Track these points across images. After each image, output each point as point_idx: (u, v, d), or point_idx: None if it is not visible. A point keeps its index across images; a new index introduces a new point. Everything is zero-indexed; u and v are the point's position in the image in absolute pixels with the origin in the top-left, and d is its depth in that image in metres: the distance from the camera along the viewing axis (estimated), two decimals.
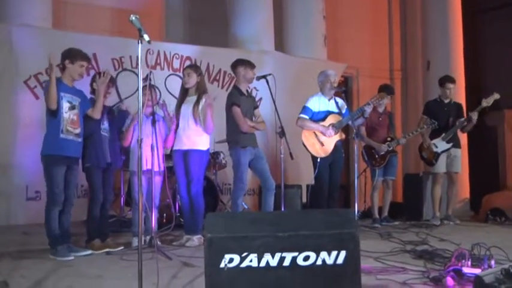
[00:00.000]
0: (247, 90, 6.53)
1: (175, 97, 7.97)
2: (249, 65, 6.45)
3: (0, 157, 7.58)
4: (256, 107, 6.59)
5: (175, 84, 8.58)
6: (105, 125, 5.80)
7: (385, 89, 7.83)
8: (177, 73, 8.89)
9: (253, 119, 6.45)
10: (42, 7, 8.39)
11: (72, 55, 5.36)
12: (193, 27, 10.63)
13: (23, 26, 7.88)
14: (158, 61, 8.90)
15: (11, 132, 7.66)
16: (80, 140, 5.39)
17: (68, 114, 5.29)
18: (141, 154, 3.74)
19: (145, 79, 5.64)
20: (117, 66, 8.53)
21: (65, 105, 5.29)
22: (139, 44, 3.81)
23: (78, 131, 5.37)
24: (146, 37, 3.86)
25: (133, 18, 3.89)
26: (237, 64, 6.48)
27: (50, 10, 8.50)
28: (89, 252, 5.35)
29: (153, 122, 5.56)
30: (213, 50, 9.35)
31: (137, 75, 8.45)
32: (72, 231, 5.48)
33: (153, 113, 5.73)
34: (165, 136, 6.10)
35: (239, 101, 6.30)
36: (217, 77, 9.33)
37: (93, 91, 5.81)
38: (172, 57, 9.03)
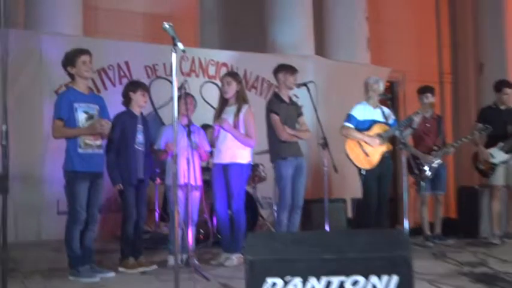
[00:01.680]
0: (289, 97, 6.52)
1: (211, 106, 8.11)
2: (290, 70, 6.44)
3: (31, 170, 7.63)
4: (300, 114, 6.56)
5: (211, 92, 8.71)
6: (140, 138, 5.82)
7: (428, 90, 7.62)
8: (213, 80, 8.94)
9: (297, 127, 6.43)
10: (73, 14, 8.49)
11: (69, 59, 5.29)
12: (228, 32, 10.67)
13: (52, 34, 7.95)
14: (193, 68, 8.92)
15: (41, 143, 7.70)
16: (101, 152, 5.35)
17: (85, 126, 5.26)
18: (176, 170, 3.72)
19: (180, 88, 5.68)
20: (150, 73, 8.57)
21: (81, 117, 5.24)
22: (174, 53, 3.87)
23: (99, 142, 5.31)
24: (180, 46, 3.90)
25: (167, 26, 3.93)
26: (277, 70, 6.50)
27: (80, 17, 8.60)
28: (113, 273, 5.33)
29: (189, 134, 5.55)
30: (250, 56, 9.38)
31: (171, 82, 8.60)
32: (104, 248, 5.51)
33: (188, 124, 5.73)
34: (201, 148, 6.16)
35: (278, 108, 6.30)
36: (255, 84, 9.33)
37: (127, 101, 5.87)
38: (208, 63, 9.05)
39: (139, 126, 5.82)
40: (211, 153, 6.48)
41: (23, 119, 7.36)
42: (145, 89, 6.03)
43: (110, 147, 5.62)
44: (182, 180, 5.69)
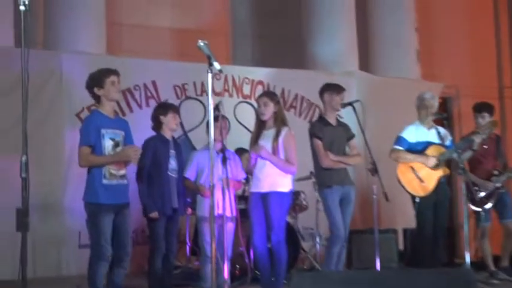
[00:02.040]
0: (337, 119, 6.52)
1: (246, 128, 8.15)
2: (336, 90, 6.44)
3: (50, 199, 7.65)
4: (351, 137, 6.54)
5: (246, 113, 8.70)
6: (173, 164, 5.89)
7: (485, 108, 7.45)
8: (248, 100, 8.96)
9: (347, 151, 6.42)
10: (95, 31, 8.59)
11: (97, 80, 5.31)
12: (263, 47, 10.71)
13: (74, 53, 8.05)
14: (226, 87, 8.91)
15: (62, 171, 7.76)
16: (126, 182, 5.34)
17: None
18: (213, 202, 3.69)
19: (214, 109, 5.64)
20: (179, 94, 8.60)
21: (108, 144, 5.24)
22: (209, 73, 3.94)
23: (123, 172, 5.32)
24: (217, 65, 3.97)
25: (202, 44, 4.00)
26: (323, 90, 6.52)
27: (103, 34, 8.70)
28: None
29: (224, 160, 5.52)
30: (288, 73, 9.37)
31: (202, 103, 8.65)
32: (130, 284, 5.62)
33: (223, 149, 5.71)
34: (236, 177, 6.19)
35: (321, 132, 6.32)
36: (294, 104, 9.27)
37: (157, 125, 5.93)
38: (242, 82, 9.02)
39: (172, 152, 5.91)
40: (246, 181, 6.46)
41: (42, 145, 7.39)
42: (176, 110, 6.14)
43: (141, 174, 5.69)
44: (216, 211, 5.69)
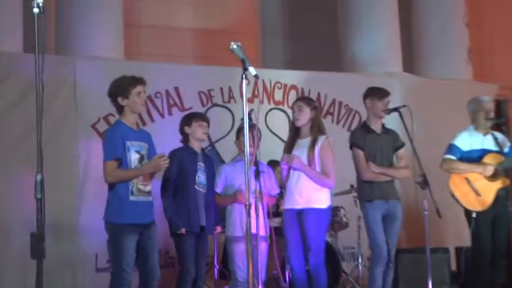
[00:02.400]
0: (383, 126, 6.46)
1: (280, 138, 8.17)
2: (377, 95, 6.42)
3: (65, 218, 7.64)
4: (400, 146, 6.48)
5: (278, 121, 8.69)
6: (201, 178, 5.94)
7: None
8: (280, 107, 8.93)
9: (395, 162, 6.38)
10: (111, 34, 8.62)
11: (122, 89, 5.31)
12: (296, 48, 10.69)
13: (88, 59, 8.08)
14: (256, 92, 8.76)
15: (76, 188, 7.79)
16: (151, 199, 5.34)
17: None
18: (250, 221, 3.62)
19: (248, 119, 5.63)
20: (205, 101, 8.59)
21: (134, 157, 5.25)
22: (244, 80, 3.96)
23: (149, 188, 5.32)
24: (252, 70, 3.96)
25: (235, 46, 4.00)
26: (365, 95, 6.50)
27: (121, 37, 8.72)
28: None
29: (257, 174, 5.46)
30: (324, 76, 9.36)
31: (230, 111, 8.61)
32: None
33: (256, 162, 5.65)
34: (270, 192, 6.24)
35: (362, 140, 6.31)
36: (331, 110, 9.20)
37: (184, 138, 6.04)
38: (274, 86, 8.95)
39: (201, 164, 5.97)
40: (280, 196, 6.48)
41: (54, 159, 7.33)
42: (202, 118, 6.18)
43: (165, 188, 5.73)
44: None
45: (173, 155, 5.80)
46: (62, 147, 7.74)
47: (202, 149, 6.14)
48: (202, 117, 6.19)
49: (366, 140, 6.27)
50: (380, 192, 6.21)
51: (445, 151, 6.68)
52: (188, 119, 6.11)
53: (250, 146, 5.69)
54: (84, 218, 7.70)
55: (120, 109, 5.34)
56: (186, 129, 6.01)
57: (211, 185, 6.08)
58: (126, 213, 5.14)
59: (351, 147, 6.35)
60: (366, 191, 6.26)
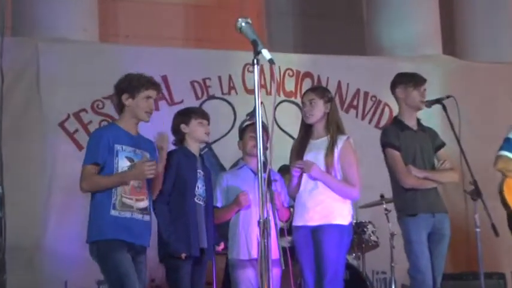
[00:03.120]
0: (418, 121, 6.39)
1: (291, 137, 8.02)
2: (412, 81, 6.33)
3: (26, 240, 7.60)
4: (440, 145, 6.42)
5: (289, 117, 8.55)
6: (201, 188, 5.89)
7: None
8: (292, 99, 8.94)
9: (435, 165, 6.32)
10: (83, 11, 8.59)
11: (131, 85, 5.38)
12: (308, 28, 10.74)
13: (55, 41, 8.10)
14: (263, 81, 8.71)
15: (40, 200, 7.76)
16: (147, 218, 5.34)
17: None
18: (265, 244, 3.85)
19: (251, 114, 5.51)
20: (199, 93, 8.61)
21: (123, 164, 5.26)
22: (255, 66, 3.86)
23: (144, 204, 5.32)
24: (266, 53, 3.86)
25: (243, 24, 3.92)
26: (394, 83, 6.41)
27: (94, 15, 8.70)
28: None
29: (269, 183, 5.29)
30: (345, 60, 9.37)
31: (231, 104, 8.53)
32: None
33: (265, 167, 5.50)
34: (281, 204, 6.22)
35: (397, 139, 6.21)
36: (354, 102, 9.22)
37: (180, 139, 5.98)
38: (284, 74, 8.94)
39: (200, 172, 5.94)
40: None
41: (13, 166, 7.15)
42: (204, 115, 6.13)
43: (160, 200, 5.68)
44: (254, 253, 5.81)
45: (169, 158, 5.74)
46: (21, 152, 7.66)
47: (200, 153, 6.04)
48: (203, 113, 6.13)
49: (402, 139, 6.19)
50: (425, 203, 6.11)
51: (499, 147, 6.63)
52: (186, 116, 6.05)
53: (253, 149, 5.91)
54: (51, 238, 7.71)
55: (121, 109, 5.41)
56: (183, 127, 5.93)
57: (211, 196, 6.05)
58: (107, 228, 5.14)
59: (383, 148, 6.25)
60: (407, 202, 6.13)
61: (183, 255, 5.63)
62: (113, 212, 5.13)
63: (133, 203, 5.23)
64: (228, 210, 6.16)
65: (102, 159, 5.19)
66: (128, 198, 5.20)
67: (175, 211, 5.71)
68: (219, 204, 6.18)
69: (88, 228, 5.22)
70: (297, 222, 5.96)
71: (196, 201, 5.81)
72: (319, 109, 5.93)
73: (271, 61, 3.83)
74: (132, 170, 5.22)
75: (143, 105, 5.33)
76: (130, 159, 5.27)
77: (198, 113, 6.15)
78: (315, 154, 5.90)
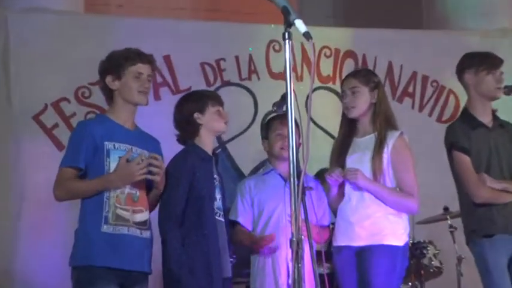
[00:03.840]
0: (494, 115, 6.37)
1: (329, 134, 8.34)
2: (484, 63, 6.32)
3: None
4: None
5: (326, 108, 8.54)
6: (219, 201, 5.84)
7: None
8: (330, 85, 8.91)
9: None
10: None
11: (115, 63, 5.41)
12: None
13: (29, 13, 8.08)
14: (292, 63, 8.65)
15: (8, 214, 7.77)
16: (148, 235, 5.35)
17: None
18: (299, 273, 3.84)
19: (280, 105, 5.64)
20: (211, 78, 8.60)
21: (113, 167, 5.24)
22: (287, 43, 3.78)
23: (143, 216, 5.33)
24: (301, 25, 3.80)
25: None
26: (461, 67, 6.40)
27: None
28: None
29: (302, 193, 5.20)
30: (398, 36, 9.36)
31: (252, 93, 8.46)
32: None
33: (298, 173, 5.43)
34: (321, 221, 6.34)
35: (468, 140, 6.22)
36: (410, 89, 9.23)
37: (192, 132, 5.87)
38: (320, 53, 8.90)
39: (216, 178, 5.89)
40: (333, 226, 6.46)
41: None
42: (220, 99, 6.07)
43: (170, 218, 5.62)
44: (284, 280, 5.92)
45: (183, 163, 5.70)
46: None
47: (214, 152, 6.00)
48: (218, 98, 6.08)
49: (473, 139, 6.18)
50: (504, 222, 6.06)
51: None
52: (200, 102, 5.91)
53: (281, 150, 6.14)
54: (22, 261, 7.69)
55: (109, 96, 5.45)
56: (198, 117, 5.78)
57: (226, 208, 6.05)
58: (96, 251, 5.12)
59: (449, 150, 6.23)
60: (480, 220, 6.08)
61: None
62: (105, 228, 5.11)
63: (130, 216, 5.21)
64: (247, 242, 6.24)
65: (83, 163, 5.18)
66: (123, 209, 5.18)
67: (191, 236, 5.62)
68: (241, 220, 6.22)
69: (73, 248, 5.20)
70: (339, 241, 5.96)
71: (217, 217, 5.76)
72: (363, 99, 5.93)
73: (307, 35, 3.77)
74: (117, 171, 5.19)
75: (134, 85, 5.32)
76: (126, 160, 5.25)
77: (214, 97, 6.04)
78: (360, 156, 5.90)
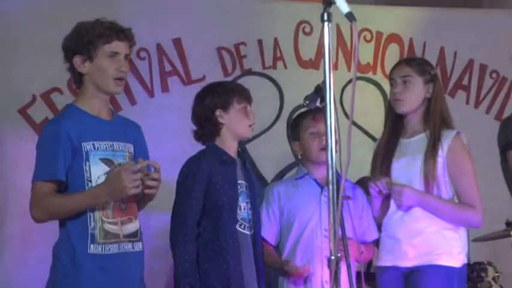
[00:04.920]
0: None
1: (368, 134, 8.65)
2: None
3: None
4: None
5: (365, 102, 8.55)
6: (244, 210, 5.88)
7: None
8: (370, 75, 9.03)
9: None
10: None
11: (83, 40, 5.25)
12: None
13: None
14: (322, 50, 8.70)
15: None
16: (140, 248, 5.35)
17: None
18: None
19: (313, 98, 5.55)
20: (229, 65, 8.67)
21: (97, 173, 5.18)
22: (326, 25, 3.85)
23: (133, 226, 5.31)
24: (343, 4, 3.85)
25: None
26: None
27: None
28: None
29: (336, 201, 5.30)
30: (450, 17, 9.40)
31: (277, 84, 8.55)
32: None
33: (335, 179, 5.49)
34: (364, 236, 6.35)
35: None
36: (465, 81, 9.25)
37: (213, 132, 5.90)
38: (358, 37, 8.76)
39: (242, 184, 5.92)
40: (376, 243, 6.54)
41: None
42: (247, 94, 6.09)
43: (182, 231, 5.67)
44: None
45: (196, 169, 5.71)
46: None
47: (239, 153, 6.04)
48: (246, 93, 6.09)
49: None
50: None
51: None
52: (224, 96, 5.93)
53: (317, 150, 6.14)
54: (7, 283, 7.80)
55: (78, 80, 5.33)
56: (220, 115, 5.82)
57: (258, 218, 6.08)
58: (84, 278, 5.08)
59: (503, 151, 6.34)
60: None
61: None
62: (93, 249, 5.08)
63: (120, 229, 5.19)
64: (276, 266, 6.22)
65: (63, 174, 5.07)
66: (111, 224, 5.15)
67: (208, 250, 5.68)
68: (265, 235, 6.19)
69: (53, 272, 5.17)
70: (384, 261, 6.02)
71: (240, 229, 5.78)
72: (416, 92, 5.96)
73: (350, 16, 3.80)
74: (105, 184, 5.09)
75: (109, 68, 5.20)
76: (108, 162, 5.19)
77: (241, 92, 6.02)
78: (409, 161, 5.93)
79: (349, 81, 8.76)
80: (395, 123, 6.06)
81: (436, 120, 5.91)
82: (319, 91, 5.57)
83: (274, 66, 8.60)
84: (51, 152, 5.07)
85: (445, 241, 5.82)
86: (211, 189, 5.69)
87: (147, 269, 5.53)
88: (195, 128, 5.97)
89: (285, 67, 8.58)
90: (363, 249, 6.11)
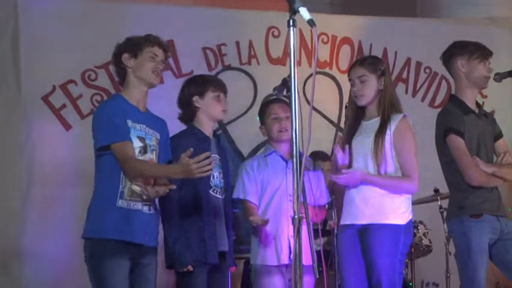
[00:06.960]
0: (477, 104, 6.36)
1: (325, 117, 8.35)
2: (478, 51, 6.25)
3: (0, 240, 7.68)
4: (499, 136, 6.41)
5: (322, 92, 8.49)
6: (217, 178, 5.92)
7: None
8: (327, 70, 8.96)
9: (493, 158, 6.29)
10: None
11: (133, 43, 5.44)
12: None
13: None
14: (288, 49, 8.74)
15: (18, 195, 7.79)
16: (153, 211, 5.38)
17: None
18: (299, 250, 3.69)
19: (281, 89, 5.71)
20: (213, 62, 8.63)
21: (135, 145, 5.29)
22: (291, 30, 3.89)
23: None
24: (305, 13, 3.89)
25: None
26: (450, 53, 6.32)
27: None
28: None
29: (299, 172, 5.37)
30: (391, 24, 9.38)
31: (251, 77, 8.57)
32: None
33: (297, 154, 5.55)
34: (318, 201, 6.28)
35: (461, 124, 6.14)
36: (404, 75, 9.27)
37: (189, 114, 5.98)
38: (317, 39, 8.78)
39: (215, 157, 5.87)
40: (329, 206, 6.64)
41: None
42: (222, 87, 6.13)
43: (167, 196, 5.59)
44: (285, 256, 5.90)
45: (175, 144, 5.71)
46: None
47: (214, 133, 6.14)
48: (221, 85, 6.16)
49: (466, 124, 6.11)
50: (490, 204, 6.05)
51: None
52: (201, 86, 6.03)
53: (284, 132, 6.07)
54: (31, 238, 7.71)
55: (122, 76, 5.48)
56: (196, 101, 5.92)
57: (229, 185, 6.10)
58: (109, 224, 5.15)
59: (444, 134, 6.14)
60: (471, 200, 6.04)
61: (190, 267, 5.67)
62: (120, 203, 5.18)
63: (142, 191, 5.25)
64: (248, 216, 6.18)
65: (127, 135, 5.19)
66: (137, 185, 5.23)
67: (185, 209, 5.71)
68: (250, 198, 6.19)
69: (86, 221, 5.23)
70: (343, 220, 5.98)
71: (212, 193, 5.85)
72: (371, 87, 5.93)
73: (311, 22, 3.87)
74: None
75: (149, 64, 5.37)
76: (141, 139, 5.32)
77: (216, 83, 6.13)
78: (364, 139, 5.92)
79: (310, 75, 8.46)
80: (357, 112, 6.03)
81: (386, 106, 5.87)
82: (286, 83, 5.76)
83: (249, 63, 8.64)
84: (118, 118, 5.22)
85: (392, 203, 5.79)
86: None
87: None
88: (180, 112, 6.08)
89: (258, 63, 8.60)
90: (317, 211, 6.09)
